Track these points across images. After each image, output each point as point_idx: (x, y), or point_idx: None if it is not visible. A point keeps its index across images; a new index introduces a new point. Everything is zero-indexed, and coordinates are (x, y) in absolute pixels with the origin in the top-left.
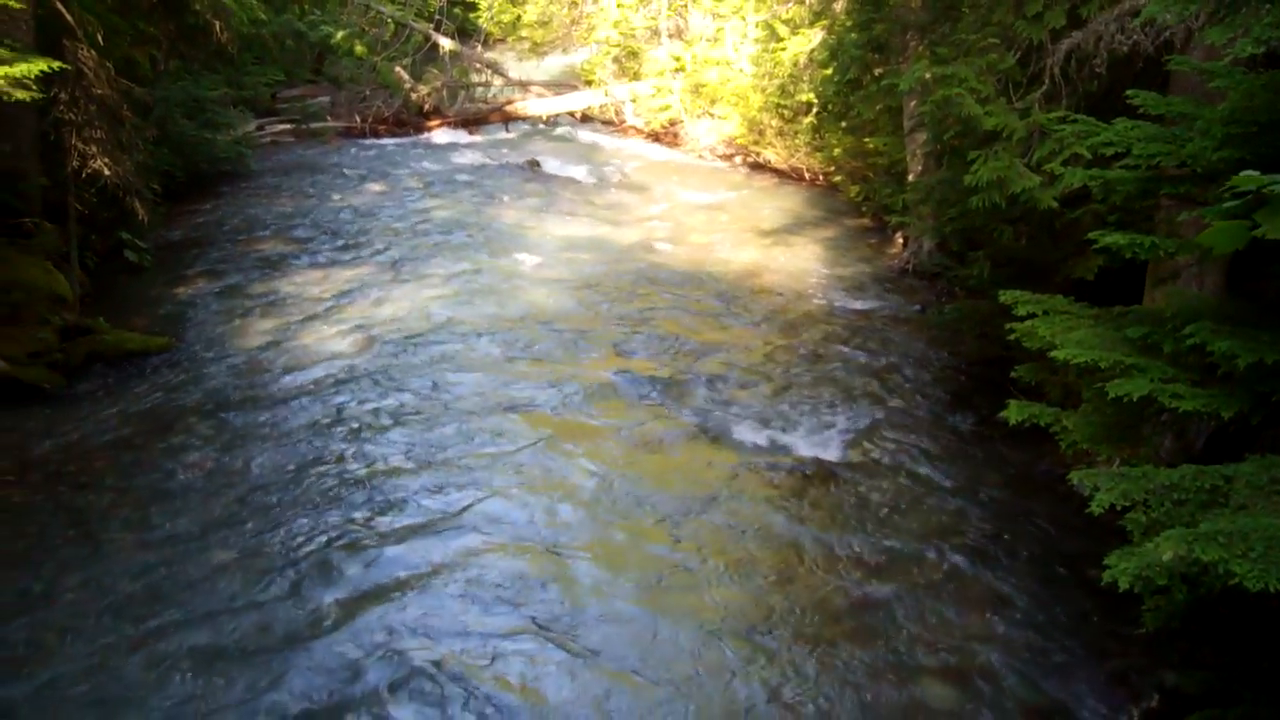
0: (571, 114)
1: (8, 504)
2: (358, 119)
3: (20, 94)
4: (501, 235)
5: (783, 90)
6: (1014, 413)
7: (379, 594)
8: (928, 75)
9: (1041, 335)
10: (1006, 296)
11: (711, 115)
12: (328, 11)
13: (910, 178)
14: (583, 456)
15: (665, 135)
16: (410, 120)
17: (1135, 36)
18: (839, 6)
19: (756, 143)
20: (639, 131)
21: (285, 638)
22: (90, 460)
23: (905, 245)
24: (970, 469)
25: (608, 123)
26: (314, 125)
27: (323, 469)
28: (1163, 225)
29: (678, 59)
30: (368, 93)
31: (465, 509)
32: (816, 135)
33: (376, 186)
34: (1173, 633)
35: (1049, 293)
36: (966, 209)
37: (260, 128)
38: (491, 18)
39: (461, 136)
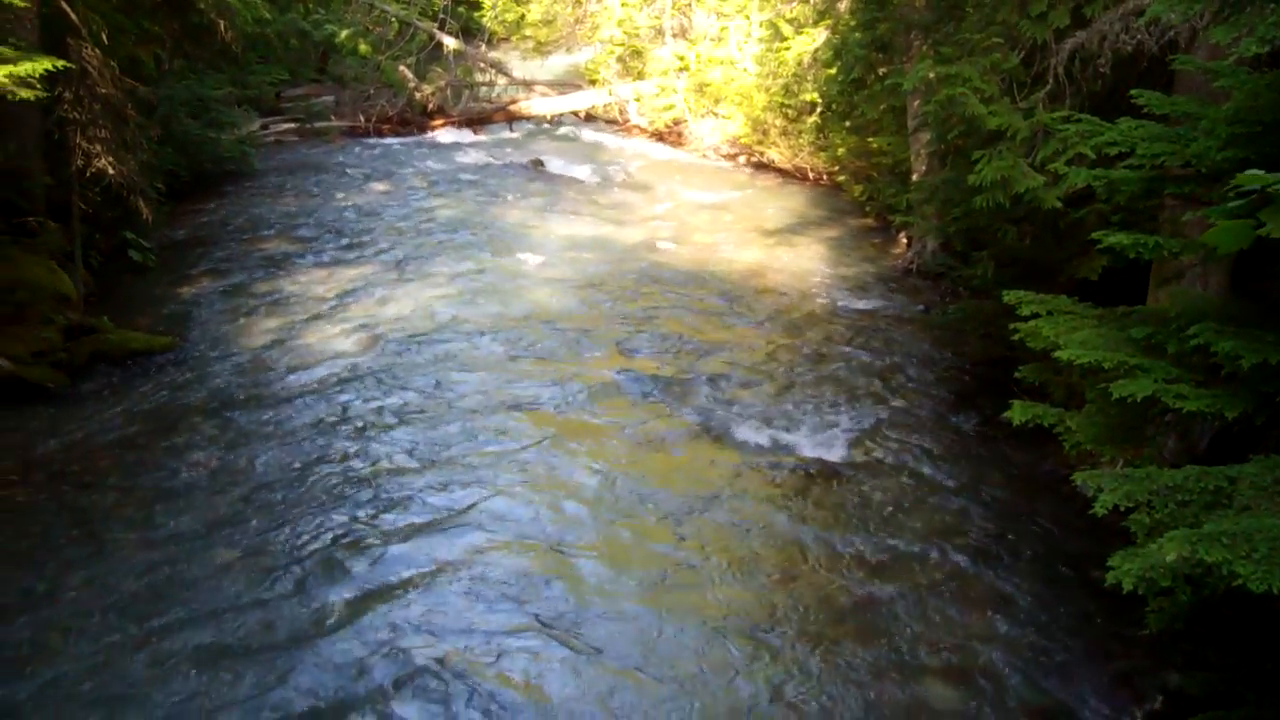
0: (575, 113)
1: (11, 503)
2: (362, 118)
3: (25, 93)
4: (505, 234)
5: (787, 90)
6: (1017, 413)
7: (383, 592)
8: (932, 75)
9: (1045, 335)
10: (1010, 296)
11: (715, 115)
12: (332, 10)
13: (914, 177)
14: (586, 455)
15: (669, 135)
16: (414, 119)
17: (1139, 36)
18: (843, 6)
19: (760, 142)
20: (643, 131)
21: (290, 636)
22: (94, 459)
23: (909, 245)
24: (973, 469)
25: (611, 122)
26: (318, 124)
27: (327, 468)
28: (1167, 225)
29: (682, 58)
30: (372, 92)
31: (469, 507)
32: (820, 135)
33: (380, 186)
34: (1176, 634)
35: (1053, 293)
36: (970, 209)
37: (264, 127)
38: (496, 17)
39: (465, 136)
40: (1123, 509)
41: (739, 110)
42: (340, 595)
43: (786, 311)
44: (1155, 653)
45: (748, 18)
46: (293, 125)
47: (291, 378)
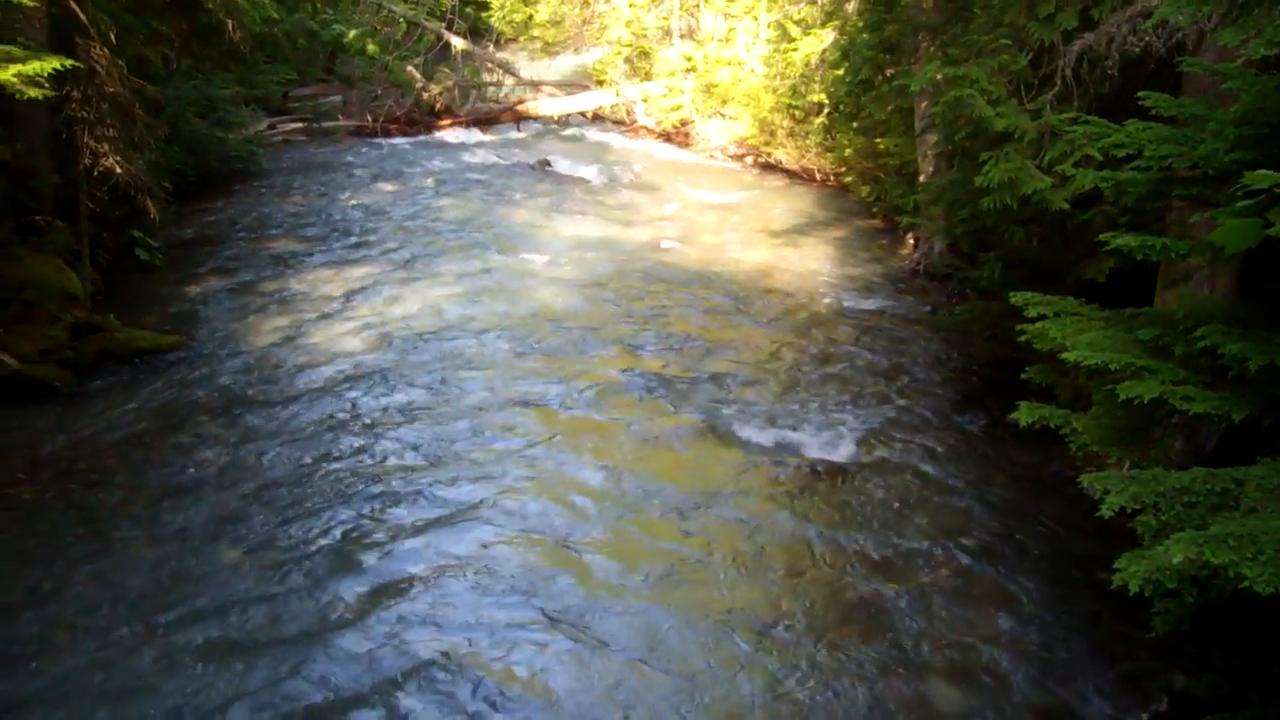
0: (583, 114)
1: (18, 501)
2: (369, 118)
3: (33, 92)
4: (512, 234)
5: (794, 91)
6: (1024, 414)
7: (391, 586)
8: (939, 76)
9: (1052, 337)
10: (1017, 298)
11: (723, 115)
12: (340, 10)
13: (921, 179)
14: (593, 453)
15: (676, 135)
16: (422, 119)
17: (1147, 38)
18: (851, 7)
19: (768, 143)
20: (650, 131)
21: (298, 630)
22: (101, 458)
23: (916, 246)
24: (980, 470)
25: (619, 122)
26: (326, 124)
27: (335, 465)
28: (1174, 227)
29: (689, 59)
30: (379, 92)
31: (477, 503)
32: (828, 136)
33: (388, 185)
34: (1182, 636)
35: (1060, 294)
36: (978, 210)
37: (272, 126)
38: (503, 17)
39: (473, 136)
40: (1129, 511)
41: (746, 111)
42: (348, 589)
43: (793, 312)
44: (1161, 654)
45: (755, 19)
46: (300, 125)
47: (299, 376)
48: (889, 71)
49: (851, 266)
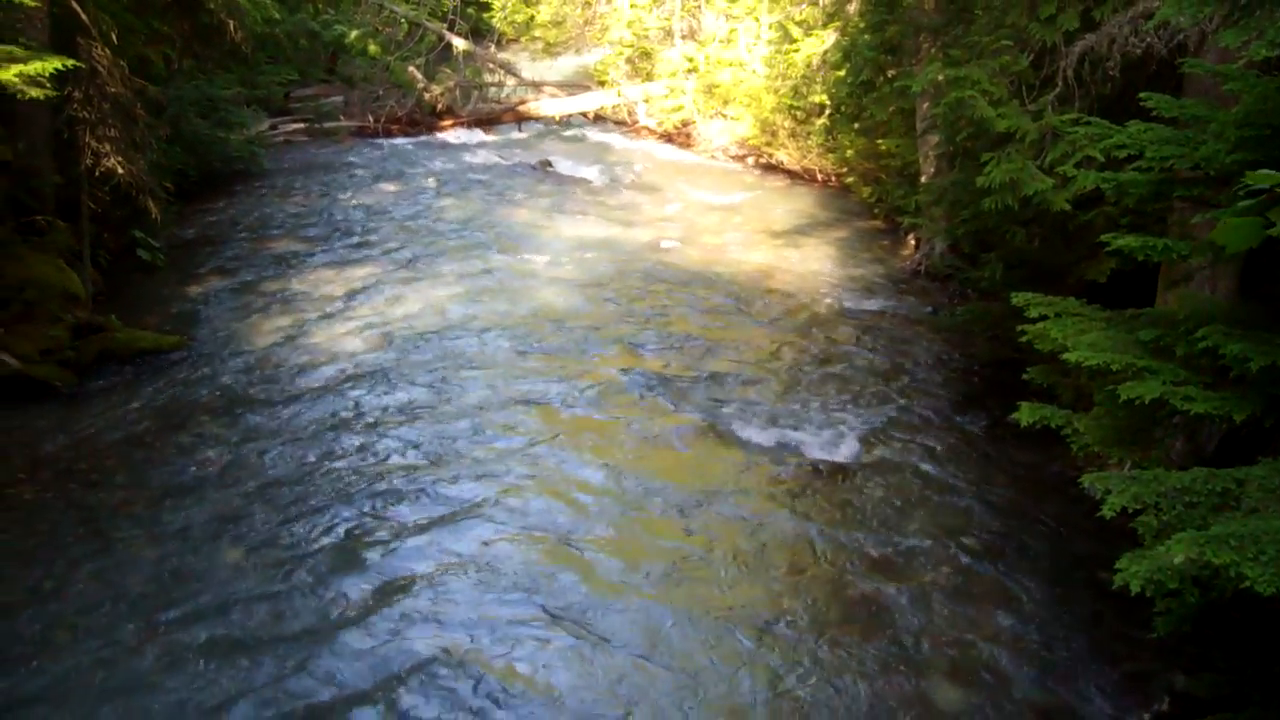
0: (584, 114)
1: (19, 501)
2: (371, 118)
3: (34, 92)
4: (514, 234)
5: (795, 91)
6: (1025, 415)
7: (394, 583)
8: (940, 77)
9: (1053, 337)
10: (1018, 299)
11: (724, 116)
12: (341, 11)
13: (923, 179)
14: (594, 452)
15: (678, 136)
16: (423, 120)
17: (1149, 39)
18: (852, 8)
19: (769, 144)
20: (651, 132)
21: (300, 628)
22: (102, 458)
23: (917, 247)
24: (981, 470)
25: (620, 123)
26: (327, 124)
27: (336, 464)
28: (1175, 228)
29: (691, 60)
30: (381, 92)
31: (479, 501)
32: (829, 137)
33: (389, 185)
34: (1183, 636)
35: (1061, 295)
36: (979, 211)
37: (273, 127)
38: (505, 18)
39: (474, 136)
40: (1130, 511)
41: (748, 112)
42: (351, 587)
43: (794, 312)
44: (1162, 654)
45: (757, 20)
46: (302, 125)
47: (300, 376)
48: (890, 72)
49: (853, 267)
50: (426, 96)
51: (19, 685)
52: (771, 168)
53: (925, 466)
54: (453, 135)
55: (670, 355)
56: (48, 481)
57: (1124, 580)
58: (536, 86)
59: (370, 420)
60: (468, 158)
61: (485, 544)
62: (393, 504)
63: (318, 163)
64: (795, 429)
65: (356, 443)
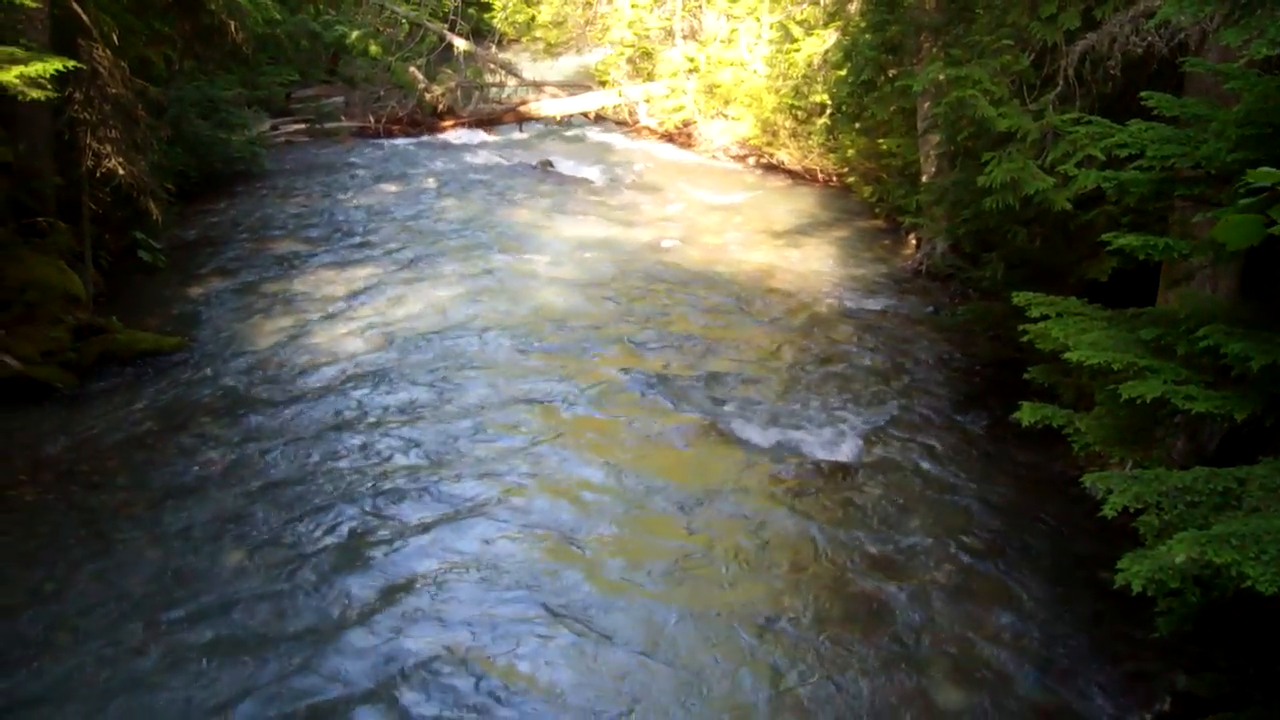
0: (585, 115)
1: (20, 503)
2: (372, 119)
3: (35, 93)
4: (515, 235)
5: (796, 91)
6: (1027, 414)
7: (397, 582)
8: (941, 77)
9: (1055, 337)
10: (1019, 298)
11: (725, 116)
12: (343, 12)
13: (924, 179)
14: (596, 451)
15: (679, 136)
16: (424, 120)
17: (1150, 38)
18: (853, 8)
19: (770, 144)
20: (652, 132)
21: (303, 628)
22: (103, 459)
23: (918, 246)
24: (982, 470)
25: (621, 123)
26: (328, 125)
27: (338, 464)
28: (1176, 227)
29: (692, 60)
30: (382, 93)
31: (480, 500)
32: (830, 136)
33: (390, 186)
34: (1185, 636)
35: (1062, 294)
36: (980, 210)
37: (274, 128)
38: (506, 18)
39: (475, 137)
40: (1132, 510)
41: (749, 112)
42: (354, 586)
43: (795, 312)
44: (1163, 654)
45: (758, 19)
46: (303, 126)
47: (302, 376)
48: (891, 72)
49: (854, 267)
50: (427, 97)
51: (21, 686)
52: (772, 168)
53: (926, 466)
54: (454, 136)
55: (671, 355)
56: (49, 483)
57: (1125, 580)
58: (537, 87)
59: (372, 420)
60: (469, 158)
61: (487, 542)
62: (395, 503)
63: (319, 163)
64: (796, 428)
65: (358, 442)
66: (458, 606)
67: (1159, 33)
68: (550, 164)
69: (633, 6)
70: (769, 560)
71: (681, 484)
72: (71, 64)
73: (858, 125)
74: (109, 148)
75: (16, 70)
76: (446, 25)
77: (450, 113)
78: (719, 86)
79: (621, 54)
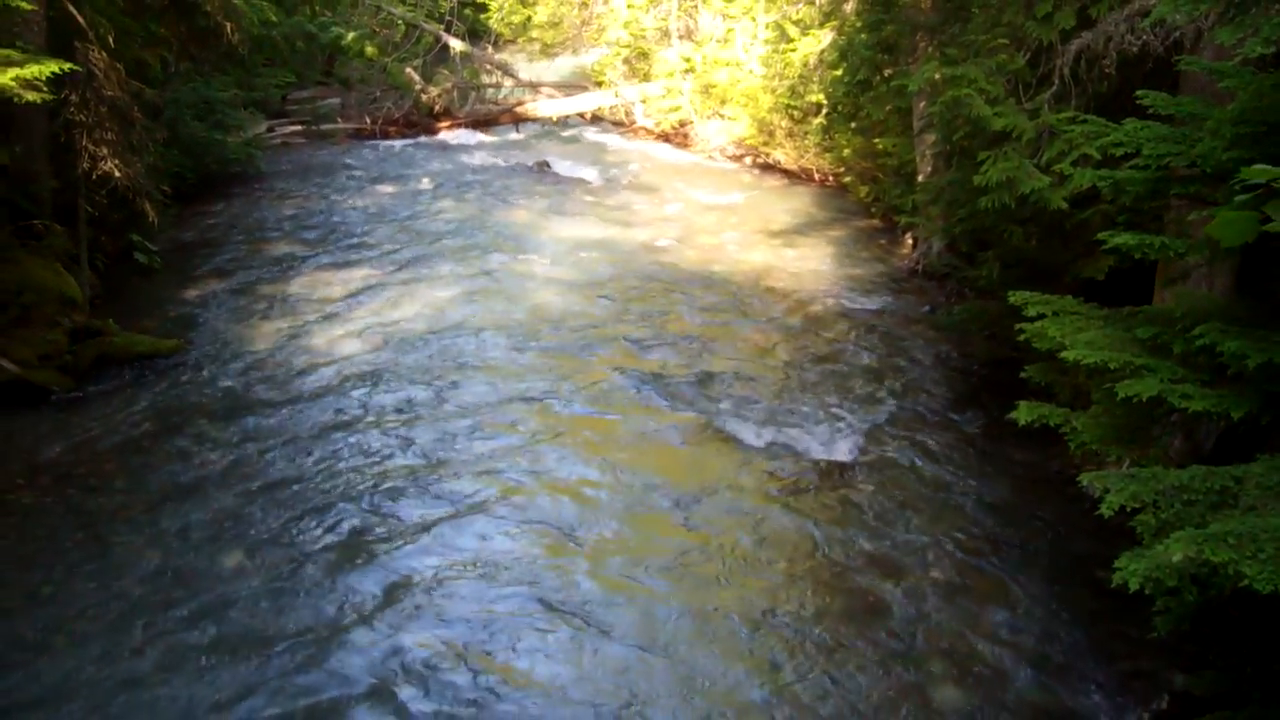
0: (581, 115)
1: (17, 506)
2: (368, 120)
3: (31, 95)
4: (512, 236)
5: (792, 91)
6: (1023, 413)
7: (396, 580)
8: (937, 76)
9: (1051, 336)
10: (1016, 297)
11: (721, 116)
12: (338, 13)
13: (920, 178)
14: (594, 450)
15: (675, 136)
16: (420, 121)
17: (1145, 37)
18: (849, 7)
19: (766, 143)
20: (649, 132)
21: (301, 627)
22: (100, 462)
23: (914, 246)
24: (979, 469)
25: (617, 123)
26: (324, 127)
27: (336, 464)
28: (1172, 225)
29: (688, 60)
30: (378, 94)
31: (478, 499)
32: (826, 136)
33: (387, 188)
34: (1182, 634)
35: (1058, 293)
36: (976, 210)
37: (271, 129)
38: (502, 19)
39: (472, 137)
40: (1129, 509)
41: (745, 111)
42: (353, 585)
43: (792, 311)
44: (1161, 652)
45: (754, 19)
46: (299, 127)
47: (299, 378)
48: (887, 72)
49: (850, 266)
50: (424, 98)
51: (18, 688)
52: (769, 167)
53: (922, 465)
54: (450, 136)
55: (668, 354)
56: (46, 486)
57: (1123, 578)
58: (534, 87)
59: (370, 420)
60: (465, 159)
61: (485, 540)
62: (393, 502)
63: (315, 165)
64: (792, 427)
65: (356, 442)
66: (457, 603)
67: (1154, 31)
68: (547, 164)
69: (629, 7)
70: (766, 557)
71: (678, 482)
72: (67, 66)
73: (854, 125)
74: (105, 150)
75: (12, 73)
76: (442, 26)
77: (446, 114)
78: (715, 86)
79: (617, 54)
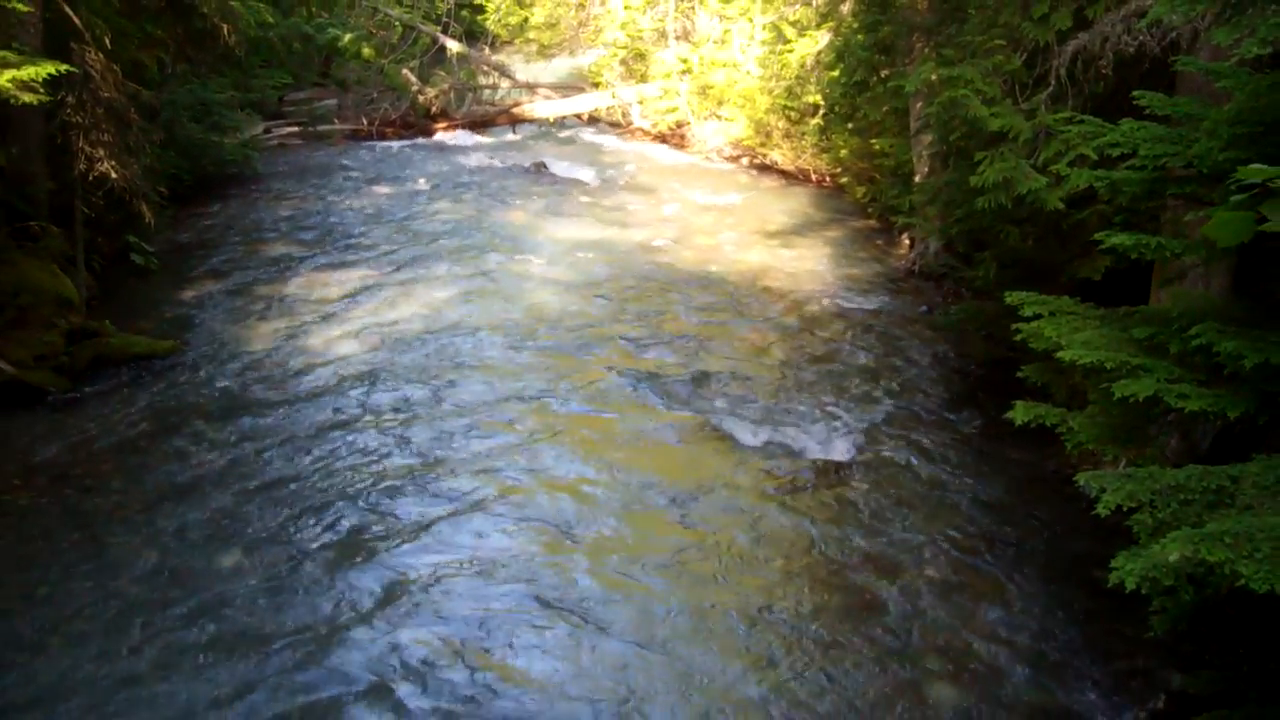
0: (578, 116)
1: (14, 507)
2: (365, 121)
3: (28, 97)
4: (508, 236)
5: (789, 92)
6: (1020, 413)
7: (393, 579)
8: (934, 77)
9: (1048, 336)
10: (1013, 297)
11: (718, 117)
12: (335, 14)
13: (917, 179)
14: (591, 449)
15: (672, 137)
16: (417, 122)
17: (1141, 37)
18: (846, 8)
19: (763, 144)
20: (646, 133)
21: (298, 625)
22: (96, 463)
23: (911, 246)
24: (976, 469)
25: (614, 124)
26: (321, 128)
27: (333, 464)
28: (1169, 226)
29: (685, 61)
30: (375, 95)
31: (475, 498)
32: (823, 137)
33: (383, 188)
34: (1179, 634)
35: (1055, 293)
36: (973, 210)
37: (267, 130)
38: (499, 20)
39: (469, 139)
40: (1125, 509)
41: (742, 112)
42: (350, 582)
43: (789, 312)
44: (1158, 652)
45: (750, 20)
46: (296, 129)
47: (296, 378)
48: (884, 72)
49: (847, 266)
50: (421, 99)
51: (15, 688)
52: (766, 168)
53: (919, 464)
54: (447, 138)
55: (665, 353)
56: (43, 486)
57: (1119, 578)
58: (531, 88)
59: (367, 419)
60: (462, 160)
61: (483, 538)
62: (391, 500)
63: (312, 166)
64: (789, 426)
65: (353, 441)
66: (454, 601)
67: (1151, 32)
68: (544, 165)
69: (625, 8)
70: (762, 555)
71: (675, 480)
72: (64, 68)
73: (851, 126)
74: (101, 151)
75: (9, 74)
76: (439, 27)
77: (443, 115)
78: (712, 87)
79: (615, 55)
